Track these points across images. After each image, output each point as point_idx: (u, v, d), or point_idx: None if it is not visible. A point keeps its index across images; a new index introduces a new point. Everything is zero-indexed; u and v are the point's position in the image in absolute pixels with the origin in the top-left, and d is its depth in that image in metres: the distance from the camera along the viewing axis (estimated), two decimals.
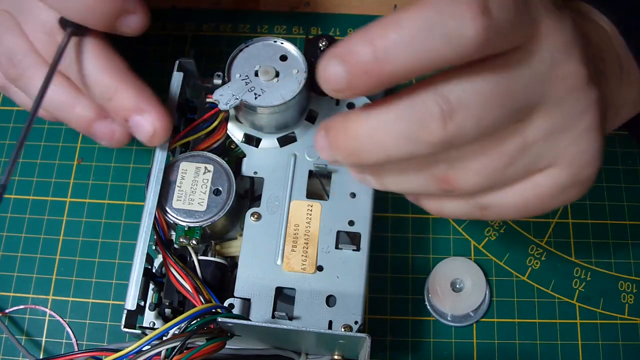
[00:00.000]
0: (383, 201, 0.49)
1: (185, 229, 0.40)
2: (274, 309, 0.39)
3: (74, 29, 0.38)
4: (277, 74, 0.41)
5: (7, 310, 0.47)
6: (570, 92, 0.30)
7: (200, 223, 0.40)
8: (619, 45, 0.38)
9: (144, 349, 0.34)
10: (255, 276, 0.39)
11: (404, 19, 0.27)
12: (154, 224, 0.39)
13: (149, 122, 0.39)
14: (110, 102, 0.39)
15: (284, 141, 0.43)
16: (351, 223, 0.41)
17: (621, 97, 0.38)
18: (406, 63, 0.27)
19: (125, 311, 0.37)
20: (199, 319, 0.35)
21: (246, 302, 0.39)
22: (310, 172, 0.42)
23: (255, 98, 0.41)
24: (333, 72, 0.28)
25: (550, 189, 0.32)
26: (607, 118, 0.36)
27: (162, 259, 0.39)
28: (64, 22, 0.38)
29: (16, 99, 0.44)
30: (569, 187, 0.32)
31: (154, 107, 0.39)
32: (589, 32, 0.36)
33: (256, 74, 0.42)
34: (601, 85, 0.32)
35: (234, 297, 0.39)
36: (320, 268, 0.40)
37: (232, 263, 0.41)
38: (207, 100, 0.42)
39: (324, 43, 0.42)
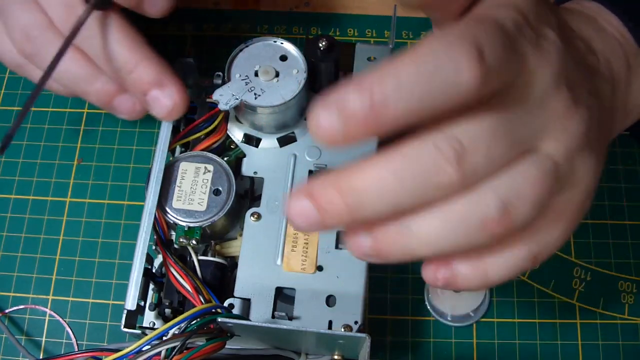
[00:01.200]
0: None
1: (185, 229, 0.40)
2: (274, 309, 0.39)
3: (96, 2, 0.38)
4: (277, 74, 0.42)
5: (7, 310, 0.47)
6: (561, 118, 0.31)
7: (200, 223, 0.40)
8: (629, 47, 0.38)
9: (144, 349, 0.34)
10: (255, 276, 0.39)
11: (400, 67, 0.26)
12: (154, 224, 0.39)
13: (168, 97, 0.40)
14: (130, 74, 0.40)
15: (284, 141, 0.43)
16: None
17: (630, 100, 0.38)
18: (405, 110, 0.27)
19: (125, 311, 0.37)
20: (199, 319, 0.35)
21: (246, 302, 0.39)
22: (310, 172, 0.42)
23: (255, 98, 0.41)
24: (327, 122, 0.26)
25: (577, 204, 0.33)
26: (616, 121, 0.37)
27: (162, 259, 0.39)
28: None
29: (33, 76, 0.44)
30: (586, 200, 0.33)
31: (174, 82, 0.40)
32: (592, 41, 0.36)
33: (256, 74, 0.42)
34: (600, 98, 0.34)
35: (234, 297, 0.39)
36: (320, 268, 0.40)
37: (232, 263, 0.41)
38: (207, 100, 0.42)
39: (324, 43, 0.42)
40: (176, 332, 0.35)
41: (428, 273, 0.32)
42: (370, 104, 0.26)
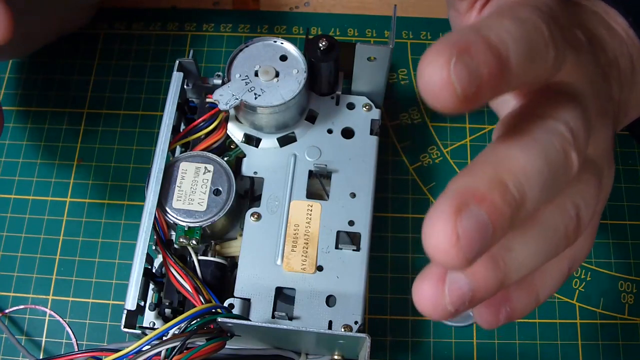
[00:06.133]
0: (383, 201, 0.49)
1: (185, 229, 0.40)
2: (274, 309, 0.39)
3: None
4: (277, 74, 0.42)
5: (7, 310, 0.47)
6: (595, 123, 0.30)
7: (200, 223, 0.40)
8: (633, 46, 0.38)
9: (144, 349, 0.34)
10: (255, 276, 0.40)
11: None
12: (154, 224, 0.39)
13: None
14: None
15: (284, 141, 0.43)
16: (351, 223, 0.41)
17: (632, 99, 0.38)
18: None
19: (125, 311, 0.37)
20: (199, 319, 0.35)
21: (246, 302, 0.39)
22: (310, 172, 0.42)
23: (255, 98, 0.41)
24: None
25: (600, 213, 0.32)
26: (617, 122, 0.37)
27: (162, 259, 0.39)
28: None
29: None
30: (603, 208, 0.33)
31: None
32: (604, 40, 0.37)
33: (256, 74, 0.42)
34: (612, 103, 0.34)
35: (234, 297, 0.39)
36: (320, 268, 0.40)
37: (232, 263, 0.41)
38: (207, 100, 0.42)
39: (324, 43, 0.42)
40: (176, 332, 0.35)
41: (487, 319, 0.30)
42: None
